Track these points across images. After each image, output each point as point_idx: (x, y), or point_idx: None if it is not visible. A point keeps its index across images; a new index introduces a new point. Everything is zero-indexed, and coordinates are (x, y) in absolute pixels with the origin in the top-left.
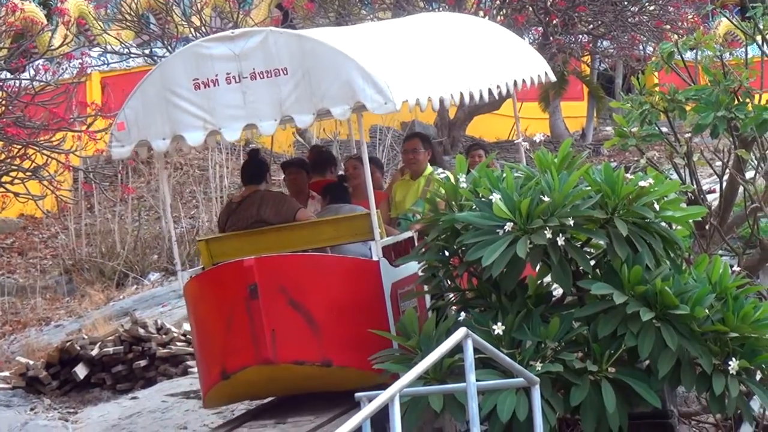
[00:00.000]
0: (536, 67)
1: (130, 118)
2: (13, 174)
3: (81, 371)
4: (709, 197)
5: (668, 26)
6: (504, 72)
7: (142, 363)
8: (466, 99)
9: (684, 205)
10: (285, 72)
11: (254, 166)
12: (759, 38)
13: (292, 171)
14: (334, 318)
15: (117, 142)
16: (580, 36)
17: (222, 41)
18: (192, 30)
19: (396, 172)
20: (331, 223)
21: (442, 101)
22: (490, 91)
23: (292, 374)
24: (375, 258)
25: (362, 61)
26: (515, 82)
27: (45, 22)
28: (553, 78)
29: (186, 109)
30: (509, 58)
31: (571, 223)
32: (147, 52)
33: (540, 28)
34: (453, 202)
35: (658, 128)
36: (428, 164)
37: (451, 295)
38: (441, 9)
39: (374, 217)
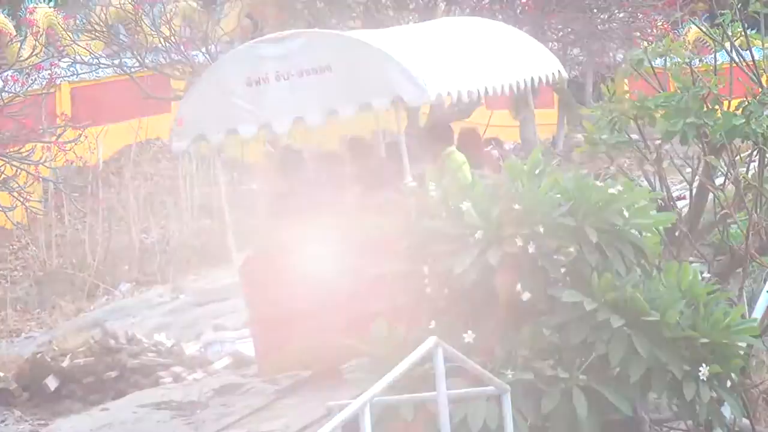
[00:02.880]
0: (551, 66)
1: (188, 114)
2: None
3: (52, 383)
4: (679, 204)
5: (638, 33)
6: (523, 70)
7: (113, 374)
8: (491, 93)
9: (654, 212)
10: (329, 69)
11: (291, 159)
12: (728, 45)
13: None
14: (379, 293)
15: (176, 137)
16: (550, 43)
17: (271, 42)
18: (162, 40)
19: None
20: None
21: (470, 95)
22: (510, 87)
23: (342, 344)
24: None
25: (400, 58)
26: (533, 79)
27: (14, 32)
28: (565, 75)
29: (239, 105)
30: (527, 58)
31: (542, 230)
32: (117, 62)
33: None
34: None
35: (628, 135)
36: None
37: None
38: (411, 18)
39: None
